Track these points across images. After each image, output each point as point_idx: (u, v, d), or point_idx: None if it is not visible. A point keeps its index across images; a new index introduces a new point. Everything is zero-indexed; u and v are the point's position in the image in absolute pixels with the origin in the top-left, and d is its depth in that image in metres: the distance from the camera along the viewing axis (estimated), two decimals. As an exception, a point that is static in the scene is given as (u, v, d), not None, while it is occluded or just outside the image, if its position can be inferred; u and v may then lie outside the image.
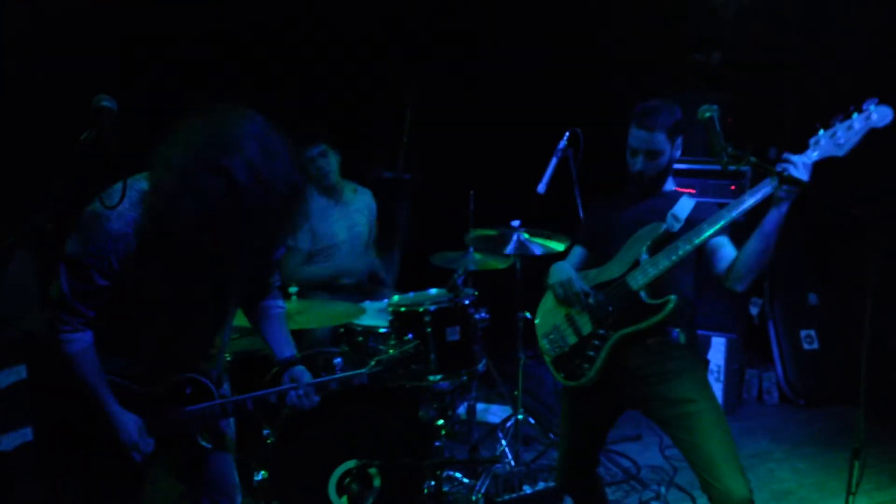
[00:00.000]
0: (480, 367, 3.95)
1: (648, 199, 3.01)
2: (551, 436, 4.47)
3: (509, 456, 4.19)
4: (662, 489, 4.06)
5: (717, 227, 2.74)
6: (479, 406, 4.87)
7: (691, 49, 5.75)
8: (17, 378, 4.08)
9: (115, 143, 1.81)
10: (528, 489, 3.84)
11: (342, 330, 4.02)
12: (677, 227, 2.90)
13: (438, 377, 3.78)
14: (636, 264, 2.88)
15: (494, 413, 5.00)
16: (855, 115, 2.57)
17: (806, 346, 5.32)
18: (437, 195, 4.90)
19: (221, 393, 2.55)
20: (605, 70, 5.73)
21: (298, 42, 5.22)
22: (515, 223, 4.11)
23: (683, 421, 2.82)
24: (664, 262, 2.80)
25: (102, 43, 4.32)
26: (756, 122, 5.28)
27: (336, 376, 2.60)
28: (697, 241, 2.75)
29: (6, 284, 3.99)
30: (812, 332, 5.34)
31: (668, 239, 2.86)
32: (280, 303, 2.70)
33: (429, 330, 3.75)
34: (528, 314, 4.14)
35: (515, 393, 4.22)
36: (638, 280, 2.85)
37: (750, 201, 2.68)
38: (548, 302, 3.16)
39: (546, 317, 3.14)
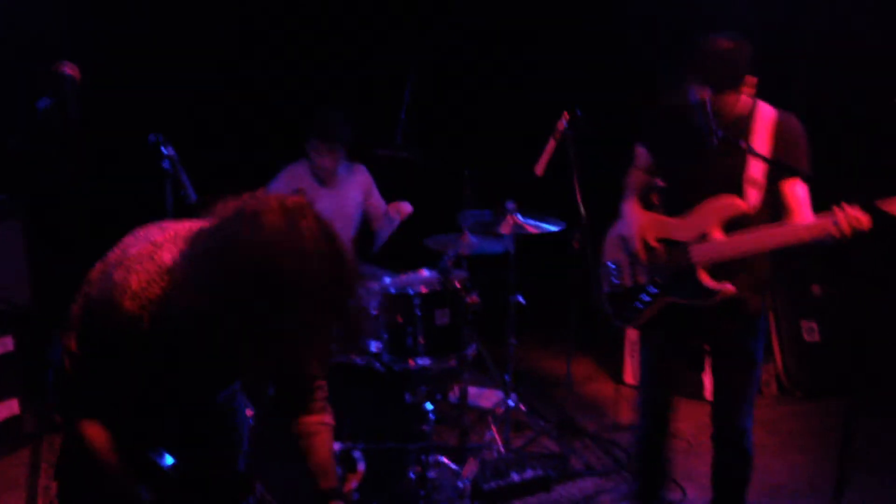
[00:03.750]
0: (470, 350, 3.89)
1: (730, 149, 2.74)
2: (542, 423, 4.41)
3: (499, 442, 4.13)
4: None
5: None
6: (472, 390, 4.81)
7: (700, 30, 5.62)
8: (3, 350, 4.05)
9: (76, 111, 1.73)
10: (516, 476, 3.80)
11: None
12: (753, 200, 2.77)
13: (426, 360, 3.72)
14: (704, 236, 2.80)
15: (488, 398, 4.95)
16: None
17: (807, 338, 5.24)
18: (432, 174, 4.82)
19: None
20: (608, 52, 5.61)
21: (299, 16, 5.16)
22: (510, 204, 4.03)
23: (732, 373, 2.97)
24: (730, 250, 2.73)
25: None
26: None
27: None
28: (761, 248, 2.70)
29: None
30: (813, 324, 5.25)
31: (743, 222, 2.76)
32: (327, 419, 2.27)
33: (418, 313, 3.69)
34: (521, 298, 4.07)
35: (506, 378, 4.16)
36: (700, 256, 2.79)
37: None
38: (616, 229, 3.14)
39: (612, 245, 3.13)
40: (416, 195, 4.65)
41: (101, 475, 1.99)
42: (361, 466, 3.43)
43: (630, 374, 5.21)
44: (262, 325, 1.64)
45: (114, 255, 1.88)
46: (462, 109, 5.42)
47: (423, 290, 3.73)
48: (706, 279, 2.80)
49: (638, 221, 2.98)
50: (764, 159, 2.57)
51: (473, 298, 3.87)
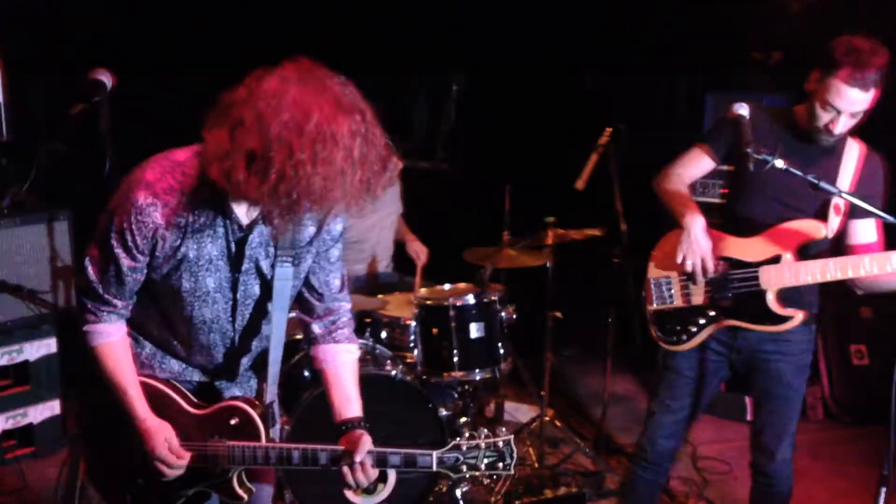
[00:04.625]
0: (504, 364, 3.86)
1: (817, 159, 2.63)
2: (578, 440, 4.35)
3: (533, 458, 4.09)
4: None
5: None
6: (509, 405, 4.77)
7: (750, 48, 5.55)
8: (47, 352, 4.13)
9: (107, 117, 1.75)
10: (549, 493, 3.75)
11: (368, 320, 3.96)
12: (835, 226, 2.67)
13: (459, 373, 3.70)
14: (776, 259, 2.68)
15: (525, 413, 4.90)
16: None
17: (855, 362, 5.09)
18: (473, 187, 4.82)
19: (271, 436, 2.22)
20: (654, 66, 5.56)
21: (343, 23, 5.20)
22: (550, 220, 4.00)
23: (779, 403, 2.88)
24: (806, 276, 2.62)
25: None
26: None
27: (400, 451, 2.18)
28: (844, 275, 2.58)
29: (40, 257, 4.03)
30: (862, 348, 5.11)
31: (821, 248, 2.67)
32: (353, 347, 2.29)
33: (452, 325, 3.67)
34: (558, 313, 4.04)
35: (542, 394, 4.12)
36: (771, 280, 2.67)
37: None
38: (671, 242, 2.83)
39: (664, 260, 2.87)
40: (455, 207, 4.65)
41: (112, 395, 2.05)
42: (393, 478, 3.42)
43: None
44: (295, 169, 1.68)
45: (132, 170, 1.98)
46: (504, 123, 5.40)
47: (459, 302, 3.71)
48: (777, 305, 2.69)
49: (708, 239, 2.71)
50: (791, 170, 2.47)
51: (509, 312, 3.85)
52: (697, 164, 2.85)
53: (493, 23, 5.51)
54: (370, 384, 3.55)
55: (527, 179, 4.46)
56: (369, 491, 3.37)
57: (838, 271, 2.59)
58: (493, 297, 3.78)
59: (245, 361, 2.27)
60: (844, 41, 2.50)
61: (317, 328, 2.26)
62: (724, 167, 2.86)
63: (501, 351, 3.82)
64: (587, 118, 4.30)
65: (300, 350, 3.54)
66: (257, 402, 2.21)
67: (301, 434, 3.31)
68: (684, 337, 2.85)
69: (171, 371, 2.18)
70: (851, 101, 2.49)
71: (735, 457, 4.27)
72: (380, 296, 4.07)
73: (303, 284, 2.19)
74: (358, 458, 2.09)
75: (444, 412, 3.68)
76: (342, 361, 2.25)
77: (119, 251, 1.94)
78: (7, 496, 3.81)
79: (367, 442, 2.13)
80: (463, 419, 3.99)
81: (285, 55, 1.80)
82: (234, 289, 2.07)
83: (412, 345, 3.85)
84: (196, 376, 2.22)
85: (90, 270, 2.00)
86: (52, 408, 4.17)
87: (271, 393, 2.24)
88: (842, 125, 2.55)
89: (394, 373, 3.64)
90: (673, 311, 2.86)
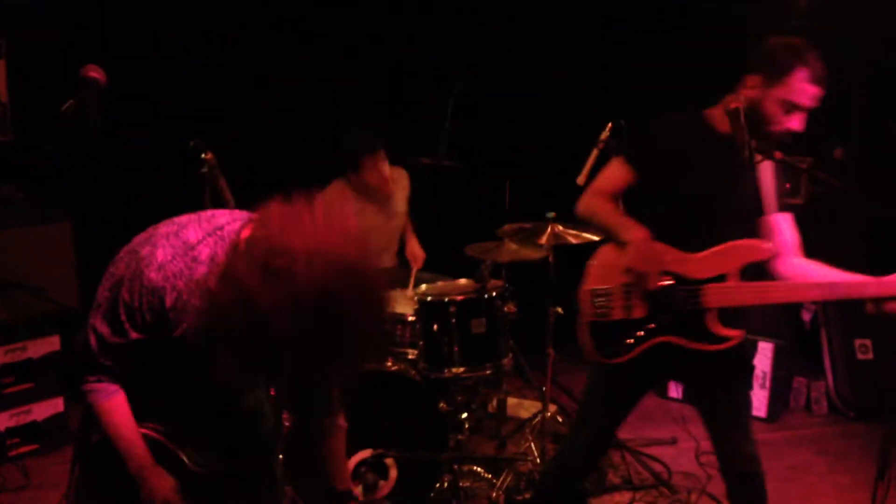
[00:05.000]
0: (506, 360, 3.85)
1: (741, 163, 2.57)
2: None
3: (535, 453, 4.08)
4: (691, 497, 3.91)
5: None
6: (511, 401, 4.77)
7: (756, 38, 5.51)
8: (50, 349, 4.15)
9: (97, 115, 1.75)
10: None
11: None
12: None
13: (461, 370, 3.70)
14: (721, 277, 2.62)
15: (528, 409, 4.90)
16: None
17: (860, 357, 5.07)
18: (474, 183, 4.81)
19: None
20: (660, 57, 5.52)
21: (344, 22, 5.20)
22: (550, 214, 3.99)
23: (728, 408, 2.80)
24: (751, 297, 2.59)
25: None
26: (822, 119, 5.03)
27: None
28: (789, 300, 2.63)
29: (43, 256, 4.05)
30: (867, 342, 5.09)
31: (762, 267, 2.65)
32: (341, 422, 2.25)
33: (454, 321, 3.67)
34: (559, 309, 4.03)
35: (544, 389, 4.12)
36: (715, 298, 2.61)
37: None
38: (611, 255, 2.79)
39: (604, 271, 2.79)
40: (457, 203, 4.64)
41: (116, 450, 2.01)
42: (393, 474, 3.43)
43: (673, 388, 5.13)
44: (299, 353, 1.63)
45: (139, 237, 1.95)
46: (505, 119, 5.39)
47: (460, 298, 3.70)
48: (717, 325, 2.64)
49: (656, 251, 2.65)
50: (791, 163, 2.47)
51: (511, 307, 3.84)
52: (621, 179, 2.78)
53: (495, 16, 5.51)
54: (372, 381, 3.59)
55: (528, 174, 4.46)
56: (370, 488, 3.38)
57: (785, 295, 2.60)
58: (493, 293, 3.77)
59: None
60: (785, 43, 2.58)
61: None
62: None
63: (503, 347, 3.82)
64: (588, 113, 4.28)
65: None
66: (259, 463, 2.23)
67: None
68: (620, 350, 2.75)
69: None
70: (814, 97, 2.55)
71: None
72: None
73: None
74: None
75: (445, 408, 3.68)
76: (327, 435, 2.21)
77: (127, 326, 1.91)
78: (11, 493, 3.84)
79: None
80: (464, 415, 4.00)
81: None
82: None
83: (413, 341, 3.86)
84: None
85: (92, 342, 1.95)
86: (55, 405, 4.19)
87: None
88: (803, 122, 2.59)
89: (395, 369, 3.64)
90: (611, 324, 2.76)
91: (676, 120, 2.78)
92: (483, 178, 4.71)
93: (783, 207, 2.74)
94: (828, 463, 4.38)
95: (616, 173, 2.78)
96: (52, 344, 4.17)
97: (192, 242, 1.90)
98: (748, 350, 2.86)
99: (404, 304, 4.01)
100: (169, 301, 1.88)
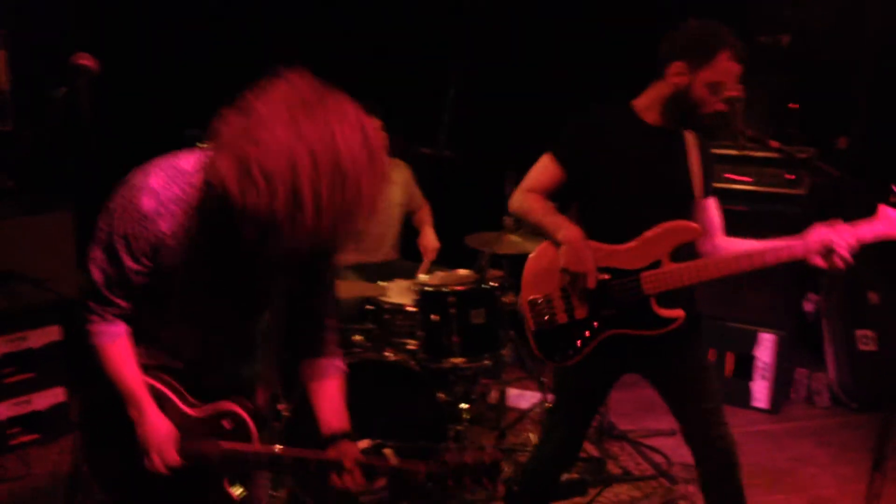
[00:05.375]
0: (505, 350, 3.85)
1: (669, 148, 2.69)
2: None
3: (533, 443, 4.08)
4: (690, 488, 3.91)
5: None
6: (512, 391, 4.77)
7: (757, 31, 5.48)
8: (50, 339, 4.16)
9: (88, 102, 1.75)
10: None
11: (369, 307, 3.96)
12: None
13: (460, 360, 3.69)
14: (656, 263, 2.65)
15: (528, 399, 4.90)
16: None
17: (862, 347, 5.06)
18: (474, 173, 4.79)
19: (263, 442, 2.18)
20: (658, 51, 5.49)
21: (343, 13, 5.18)
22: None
23: (689, 377, 2.78)
24: (688, 278, 2.61)
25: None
26: (826, 110, 5.01)
27: (389, 466, 2.10)
28: (722, 274, 2.60)
29: (43, 245, 4.05)
30: (869, 333, 5.07)
31: (694, 247, 2.67)
32: (339, 363, 2.24)
33: (452, 311, 3.66)
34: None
35: (543, 380, 4.11)
36: (653, 285, 2.64)
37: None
38: (543, 260, 2.80)
39: (539, 278, 2.79)
40: (457, 193, 4.63)
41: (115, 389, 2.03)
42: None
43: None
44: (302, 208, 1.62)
45: (132, 173, 1.93)
46: (505, 110, 5.37)
47: (459, 288, 3.70)
48: (660, 309, 2.66)
49: (590, 251, 2.64)
50: (786, 151, 2.49)
51: (510, 298, 3.83)
52: (551, 176, 2.78)
53: (495, 9, 5.48)
54: (371, 371, 3.59)
55: (528, 166, 4.43)
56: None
57: (717, 270, 2.61)
58: (493, 283, 3.76)
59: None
60: (706, 26, 2.65)
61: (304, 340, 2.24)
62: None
63: (502, 337, 3.81)
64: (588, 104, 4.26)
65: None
66: (250, 404, 2.18)
67: (299, 421, 3.32)
68: (570, 352, 2.76)
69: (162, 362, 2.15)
70: (738, 75, 2.59)
71: (738, 443, 4.24)
72: (380, 282, 4.06)
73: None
74: (347, 468, 2.06)
75: (445, 399, 3.68)
76: (328, 374, 2.21)
77: (123, 255, 1.92)
78: (12, 482, 3.85)
79: (356, 452, 2.10)
80: (464, 405, 3.99)
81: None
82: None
83: (413, 331, 3.85)
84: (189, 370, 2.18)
85: (94, 273, 1.97)
86: (56, 395, 4.20)
87: (266, 392, 2.25)
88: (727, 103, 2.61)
89: (394, 359, 3.64)
90: (556, 328, 2.76)
91: (601, 112, 2.79)
92: (484, 169, 4.70)
93: (711, 192, 2.79)
94: (830, 454, 4.38)
95: (545, 170, 2.79)
96: (52, 334, 4.17)
97: (188, 170, 1.91)
98: (699, 323, 2.82)
99: (403, 295, 4.01)
100: (166, 227, 1.89)
